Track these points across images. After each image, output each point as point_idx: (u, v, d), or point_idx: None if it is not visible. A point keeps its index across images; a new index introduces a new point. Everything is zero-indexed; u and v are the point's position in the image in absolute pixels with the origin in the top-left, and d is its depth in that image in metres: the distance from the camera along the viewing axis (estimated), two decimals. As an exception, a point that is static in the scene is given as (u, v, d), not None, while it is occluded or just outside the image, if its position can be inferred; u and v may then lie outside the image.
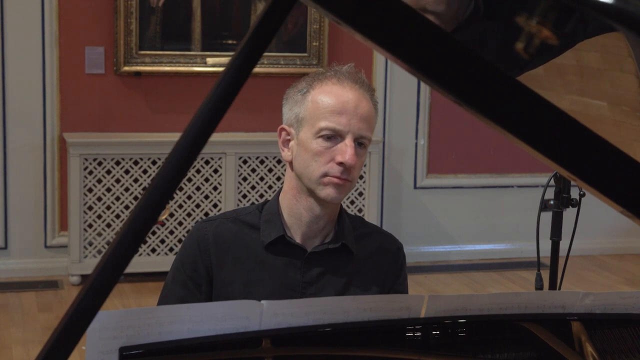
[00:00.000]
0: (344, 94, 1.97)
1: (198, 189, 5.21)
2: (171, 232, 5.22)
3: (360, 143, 1.97)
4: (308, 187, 1.98)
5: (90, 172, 5.05)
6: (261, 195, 5.28)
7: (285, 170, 2.13)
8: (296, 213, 2.02)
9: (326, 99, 1.97)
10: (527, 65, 1.42)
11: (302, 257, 2.02)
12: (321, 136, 1.95)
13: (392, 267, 2.11)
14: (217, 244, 2.02)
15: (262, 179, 5.29)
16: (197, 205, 5.22)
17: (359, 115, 1.96)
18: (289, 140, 2.03)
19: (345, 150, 1.94)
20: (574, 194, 3.06)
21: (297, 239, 2.03)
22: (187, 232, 5.16)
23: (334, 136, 1.95)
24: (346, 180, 1.96)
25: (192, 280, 2.01)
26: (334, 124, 1.94)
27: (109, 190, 5.11)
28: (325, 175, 1.95)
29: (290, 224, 2.03)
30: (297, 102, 2.01)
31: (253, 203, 5.28)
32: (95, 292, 0.99)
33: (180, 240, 5.19)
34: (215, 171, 5.23)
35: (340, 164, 1.94)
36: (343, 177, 1.95)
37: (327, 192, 1.96)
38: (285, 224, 2.03)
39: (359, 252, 2.07)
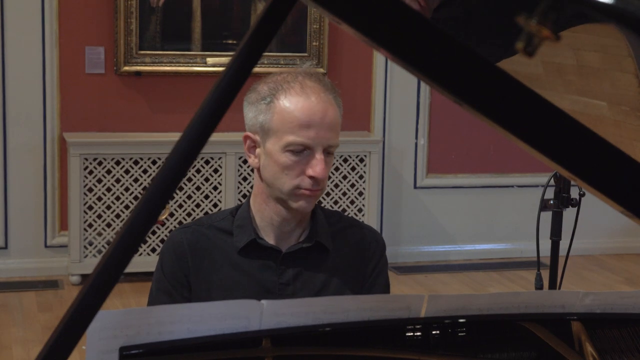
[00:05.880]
0: (309, 105, 1.94)
1: (198, 188, 5.21)
2: (171, 232, 5.21)
3: (328, 152, 1.97)
4: (278, 197, 1.99)
5: (90, 172, 5.05)
6: (261, 195, 5.28)
7: None
8: (267, 217, 2.02)
9: (292, 112, 1.94)
10: (508, 50, 1.41)
11: (277, 258, 2.02)
12: (289, 150, 1.94)
13: (371, 260, 2.09)
14: (193, 251, 2.03)
15: (262, 178, 5.29)
16: (197, 205, 5.22)
17: (326, 126, 1.94)
18: (254, 147, 2.03)
19: (317, 165, 1.94)
20: (574, 193, 3.06)
21: (271, 241, 2.03)
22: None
23: (302, 150, 1.94)
24: (317, 191, 1.97)
25: (175, 288, 2.02)
26: (303, 139, 1.93)
27: (109, 190, 5.11)
28: (298, 187, 1.95)
29: (262, 226, 2.03)
30: (261, 111, 1.99)
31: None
32: (95, 292, 0.99)
33: (180, 240, 5.19)
34: (215, 171, 5.23)
35: (312, 177, 1.94)
36: (315, 189, 1.96)
37: (299, 204, 1.97)
38: (257, 227, 2.03)
39: (336, 248, 2.06)
